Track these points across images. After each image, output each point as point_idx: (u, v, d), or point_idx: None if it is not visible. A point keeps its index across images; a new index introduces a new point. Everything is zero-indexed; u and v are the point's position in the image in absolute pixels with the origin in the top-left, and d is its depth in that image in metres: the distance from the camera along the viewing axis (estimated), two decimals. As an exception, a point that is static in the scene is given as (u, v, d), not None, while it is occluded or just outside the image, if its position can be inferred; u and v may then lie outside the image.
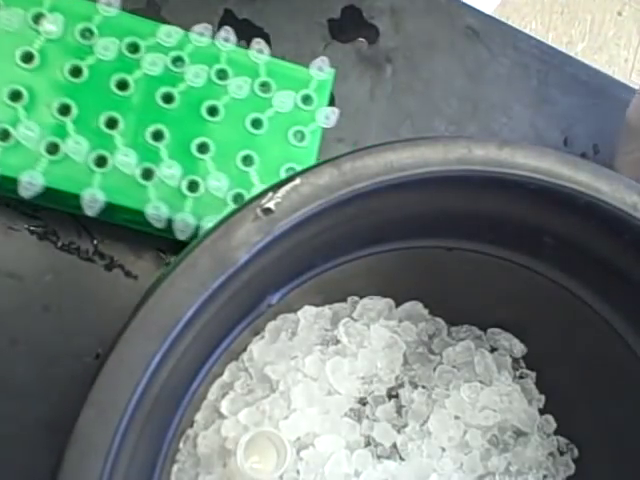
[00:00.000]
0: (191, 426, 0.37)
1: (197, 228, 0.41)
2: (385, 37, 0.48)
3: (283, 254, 0.32)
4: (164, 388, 0.29)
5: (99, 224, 0.42)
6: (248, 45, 0.45)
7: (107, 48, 0.41)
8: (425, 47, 0.49)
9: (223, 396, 0.37)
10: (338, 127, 0.46)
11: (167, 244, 0.42)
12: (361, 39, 0.48)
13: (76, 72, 0.41)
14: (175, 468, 0.36)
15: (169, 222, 0.40)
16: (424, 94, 0.48)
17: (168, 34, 0.42)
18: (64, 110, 0.40)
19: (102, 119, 0.40)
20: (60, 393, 0.39)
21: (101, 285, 0.41)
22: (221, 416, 0.37)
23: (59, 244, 0.41)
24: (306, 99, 0.43)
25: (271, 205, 0.29)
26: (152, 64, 0.42)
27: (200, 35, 0.43)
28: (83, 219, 0.42)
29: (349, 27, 0.48)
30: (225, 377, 0.38)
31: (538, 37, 0.52)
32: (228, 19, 0.46)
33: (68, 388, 0.39)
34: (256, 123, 0.43)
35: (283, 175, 0.42)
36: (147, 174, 0.40)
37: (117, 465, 0.27)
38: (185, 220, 0.40)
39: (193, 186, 0.41)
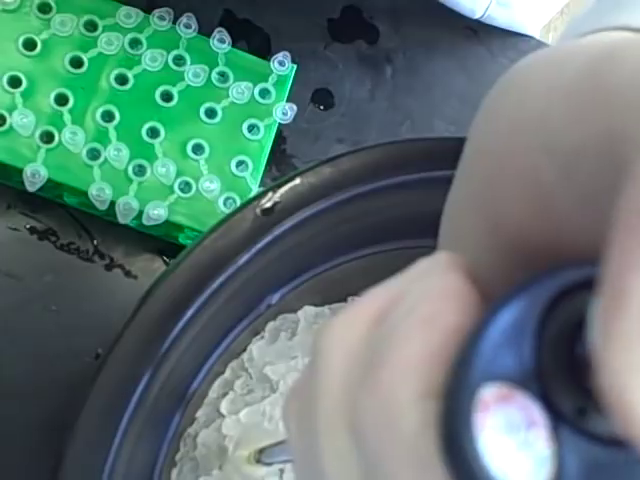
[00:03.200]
0: (191, 424, 0.37)
1: (140, 213, 0.40)
2: (385, 37, 0.48)
3: (283, 254, 0.32)
4: (164, 388, 0.29)
5: (99, 224, 0.42)
6: (248, 45, 0.45)
7: (64, 24, 0.41)
8: (425, 47, 0.49)
9: (224, 395, 0.37)
10: (338, 127, 0.46)
11: (167, 245, 0.42)
12: (361, 39, 0.48)
13: (29, 45, 0.40)
14: (175, 468, 0.36)
15: (112, 205, 0.40)
16: (424, 94, 0.48)
17: (128, 15, 0.42)
18: (14, 83, 0.40)
19: (52, 95, 0.40)
20: (60, 393, 0.39)
21: (101, 285, 0.41)
22: (221, 415, 0.37)
23: (59, 244, 0.41)
24: (264, 93, 0.43)
25: (271, 205, 0.29)
26: (108, 43, 0.41)
27: (160, 19, 0.42)
28: (83, 219, 0.42)
29: (349, 27, 0.48)
30: (227, 375, 0.38)
31: (538, 37, 0.52)
32: (228, 19, 0.46)
33: (68, 388, 0.39)
34: (210, 112, 0.42)
35: (233, 167, 0.41)
36: (94, 155, 0.40)
37: (117, 465, 0.27)
38: (128, 203, 0.40)
39: (140, 170, 0.40)
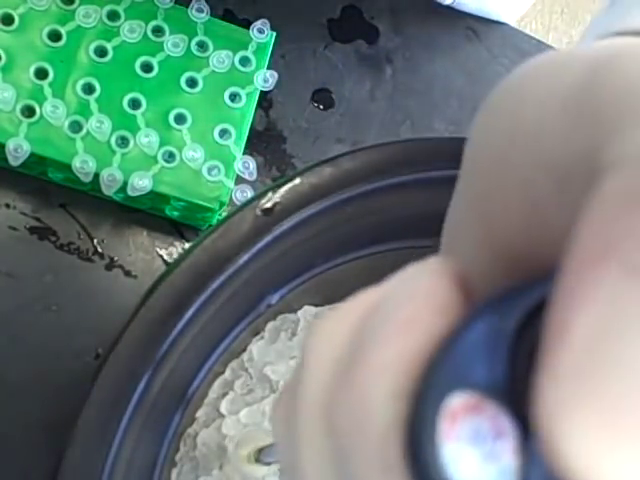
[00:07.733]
0: (191, 424, 0.37)
1: (124, 185, 0.40)
2: (385, 37, 0.48)
3: (283, 254, 0.32)
4: (164, 388, 0.29)
5: (99, 224, 0.42)
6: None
7: None
8: (425, 47, 0.49)
9: (224, 395, 0.37)
10: (338, 127, 0.46)
11: (167, 244, 0.42)
12: (361, 39, 0.48)
13: (7, 20, 0.40)
14: (175, 468, 0.36)
15: (96, 178, 0.40)
16: (424, 94, 0.48)
17: None
18: None
19: (32, 69, 0.40)
20: (60, 393, 0.39)
21: (101, 285, 0.41)
22: (221, 415, 0.37)
23: (59, 244, 0.41)
24: (244, 61, 0.43)
25: (271, 205, 0.29)
26: (86, 16, 0.41)
27: None
28: (83, 219, 0.42)
29: (349, 27, 0.48)
30: (227, 375, 0.38)
31: (538, 37, 0.52)
32: (228, 19, 0.46)
33: (68, 388, 0.39)
34: (191, 82, 0.42)
35: (216, 135, 0.41)
36: (76, 127, 0.40)
37: (117, 465, 0.27)
38: (112, 175, 0.40)
39: (123, 141, 0.40)
